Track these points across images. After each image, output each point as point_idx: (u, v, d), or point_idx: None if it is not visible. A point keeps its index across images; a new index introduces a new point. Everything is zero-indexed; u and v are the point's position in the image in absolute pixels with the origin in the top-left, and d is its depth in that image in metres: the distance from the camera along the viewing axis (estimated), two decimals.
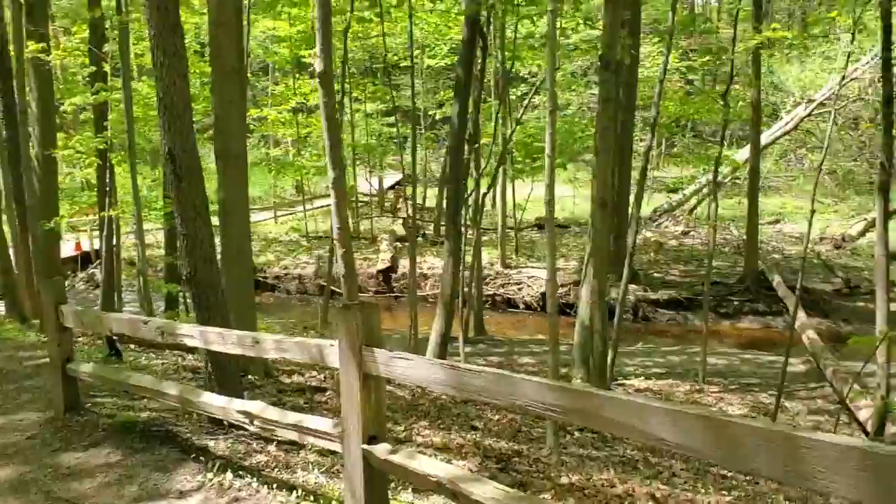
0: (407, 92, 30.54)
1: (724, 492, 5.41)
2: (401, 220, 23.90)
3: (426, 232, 23.44)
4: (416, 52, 27.75)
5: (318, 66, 4.01)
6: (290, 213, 26.77)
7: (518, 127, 15.84)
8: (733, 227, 23.41)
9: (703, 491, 5.21)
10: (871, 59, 23.83)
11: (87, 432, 4.70)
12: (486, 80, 19.14)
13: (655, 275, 19.25)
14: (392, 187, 28.92)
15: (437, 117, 30.22)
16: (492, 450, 5.24)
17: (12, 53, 11.52)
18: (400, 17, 19.72)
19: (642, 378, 13.88)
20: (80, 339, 9.39)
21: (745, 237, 19.85)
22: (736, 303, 18.37)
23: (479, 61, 14.96)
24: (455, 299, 10.65)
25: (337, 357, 3.06)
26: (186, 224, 4.47)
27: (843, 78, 17.37)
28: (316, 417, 3.38)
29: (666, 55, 12.03)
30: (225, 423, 4.69)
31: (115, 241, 12.32)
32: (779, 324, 18.22)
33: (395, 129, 28.46)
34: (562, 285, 19.71)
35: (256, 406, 3.59)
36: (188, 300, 15.20)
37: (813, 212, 9.96)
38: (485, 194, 15.44)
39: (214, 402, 3.83)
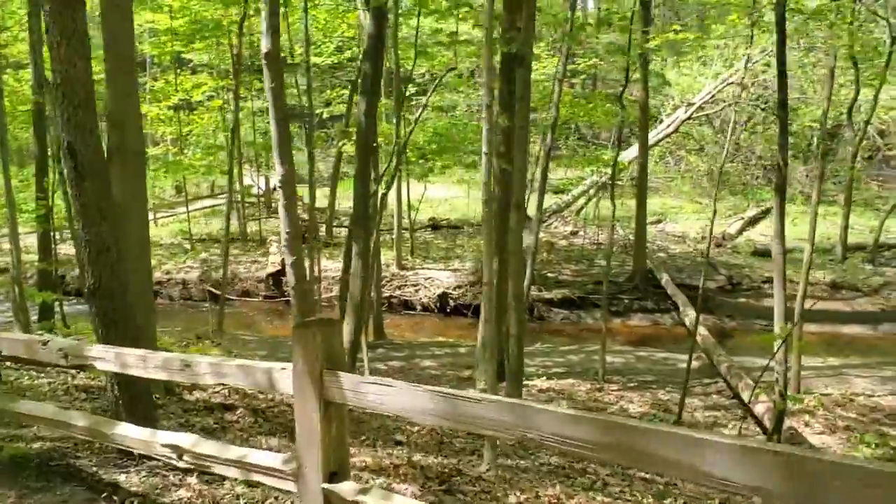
0: (292, 90, 29.73)
1: (662, 500, 5.31)
2: None
3: (318, 234, 22.81)
4: (302, 50, 27.06)
5: (264, 45, 3.52)
6: (171, 215, 25.49)
7: (415, 128, 15.57)
8: (619, 227, 23.99)
9: (643, 501, 5.08)
10: (745, 64, 24.98)
11: None
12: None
13: (549, 275, 19.45)
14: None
15: (325, 116, 29.48)
16: (429, 469, 4.92)
17: None
18: (288, 12, 19.09)
19: (544, 378, 13.91)
20: None
21: (630, 237, 20.36)
22: (626, 301, 18.80)
23: None
24: (365, 303, 10.24)
25: (290, 383, 2.67)
26: (89, 228, 3.91)
27: (742, 85, 17.99)
28: (263, 452, 2.96)
29: (565, 56, 12.06)
30: (135, 453, 4.16)
31: None
32: (666, 321, 18.78)
33: None
34: (458, 286, 19.61)
35: (187, 439, 3.11)
36: (64, 310, 14.09)
37: (715, 212, 10.18)
38: (384, 195, 15.06)
39: (133, 434, 3.32)
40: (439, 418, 2.22)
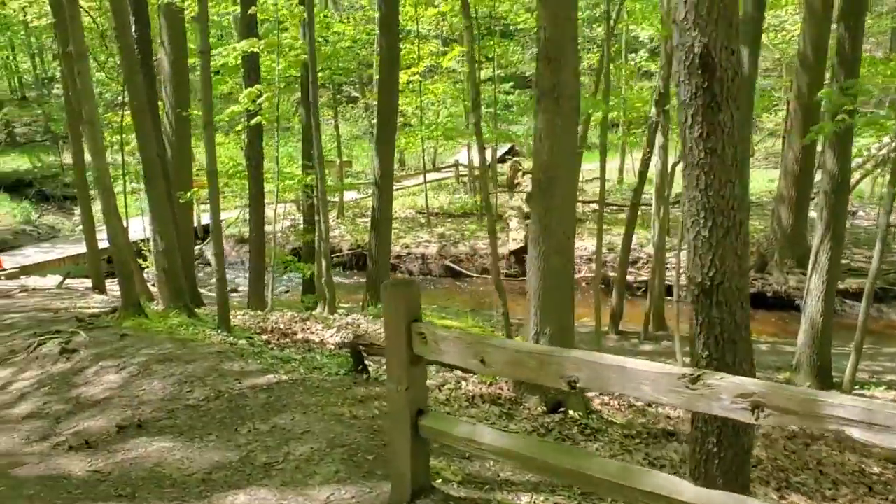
0: (515, 57, 28.22)
1: None
2: (524, 196, 21.76)
3: None
4: (524, 16, 25.53)
5: None
6: (398, 188, 24.85)
7: None
8: None
9: None
10: None
11: None
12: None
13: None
14: (503, 159, 26.81)
15: None
16: None
17: None
18: None
19: (884, 387, 11.66)
20: (262, 334, 7.55)
21: None
22: None
23: None
24: None
25: None
26: (714, 192, 2.45)
27: None
28: None
29: None
30: None
31: (265, 218, 10.48)
32: None
33: (510, 97, 26.42)
34: None
35: None
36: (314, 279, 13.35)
37: None
38: (675, 164, 13.22)
39: None
40: None
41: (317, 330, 7.91)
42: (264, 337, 7.57)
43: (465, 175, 25.25)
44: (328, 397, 4.76)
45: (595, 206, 22.28)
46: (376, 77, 19.47)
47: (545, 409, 4.71)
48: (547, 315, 4.66)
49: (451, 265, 19.24)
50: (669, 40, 12.92)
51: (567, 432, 4.40)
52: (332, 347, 7.27)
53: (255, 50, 9.68)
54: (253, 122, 9.73)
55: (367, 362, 5.35)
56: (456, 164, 25.94)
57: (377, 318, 8.64)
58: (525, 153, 30.00)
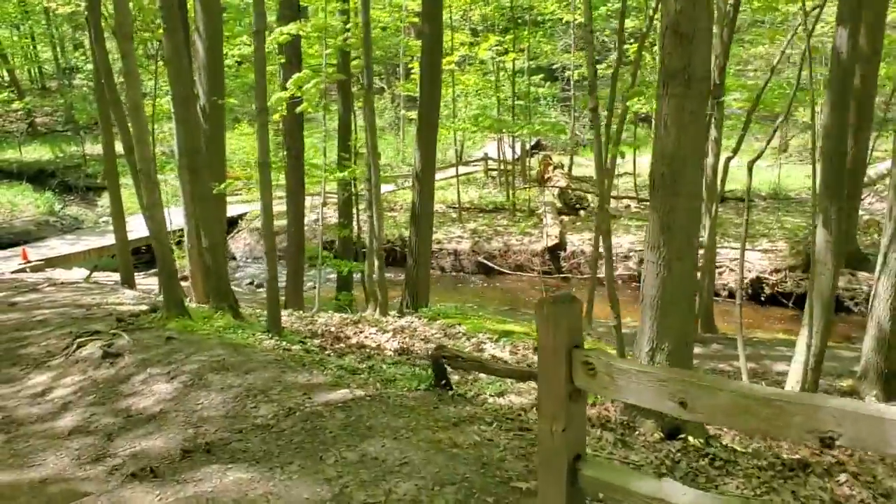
0: (548, 47, 27.58)
1: None
2: (556, 192, 21.14)
3: (590, 205, 20.65)
4: (552, 7, 24.90)
5: None
6: None
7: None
8: None
9: None
10: None
11: None
12: None
13: None
14: (530, 154, 26.17)
15: (575, 77, 27.03)
16: None
17: None
18: None
19: None
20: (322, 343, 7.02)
21: None
22: None
23: None
24: (832, 302, 7.71)
25: None
26: None
27: None
28: None
29: None
30: None
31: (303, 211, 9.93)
32: None
33: (540, 90, 25.81)
34: (776, 270, 16.83)
35: None
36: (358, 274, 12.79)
37: None
38: (729, 158, 12.55)
39: None
40: None
41: (371, 334, 7.37)
42: (316, 341, 7.04)
43: (493, 169, 24.65)
44: (416, 419, 4.21)
45: (626, 201, 21.71)
46: (410, 66, 18.88)
47: (662, 435, 4.16)
48: (666, 329, 4.09)
49: (485, 261, 18.68)
50: (722, 29, 12.26)
51: (696, 465, 3.84)
52: (392, 354, 6.74)
53: (302, 34, 9.16)
54: (298, 109, 9.19)
55: (448, 375, 4.80)
56: (485, 158, 25.34)
57: (432, 321, 8.10)
58: (553, 147, 29.35)
